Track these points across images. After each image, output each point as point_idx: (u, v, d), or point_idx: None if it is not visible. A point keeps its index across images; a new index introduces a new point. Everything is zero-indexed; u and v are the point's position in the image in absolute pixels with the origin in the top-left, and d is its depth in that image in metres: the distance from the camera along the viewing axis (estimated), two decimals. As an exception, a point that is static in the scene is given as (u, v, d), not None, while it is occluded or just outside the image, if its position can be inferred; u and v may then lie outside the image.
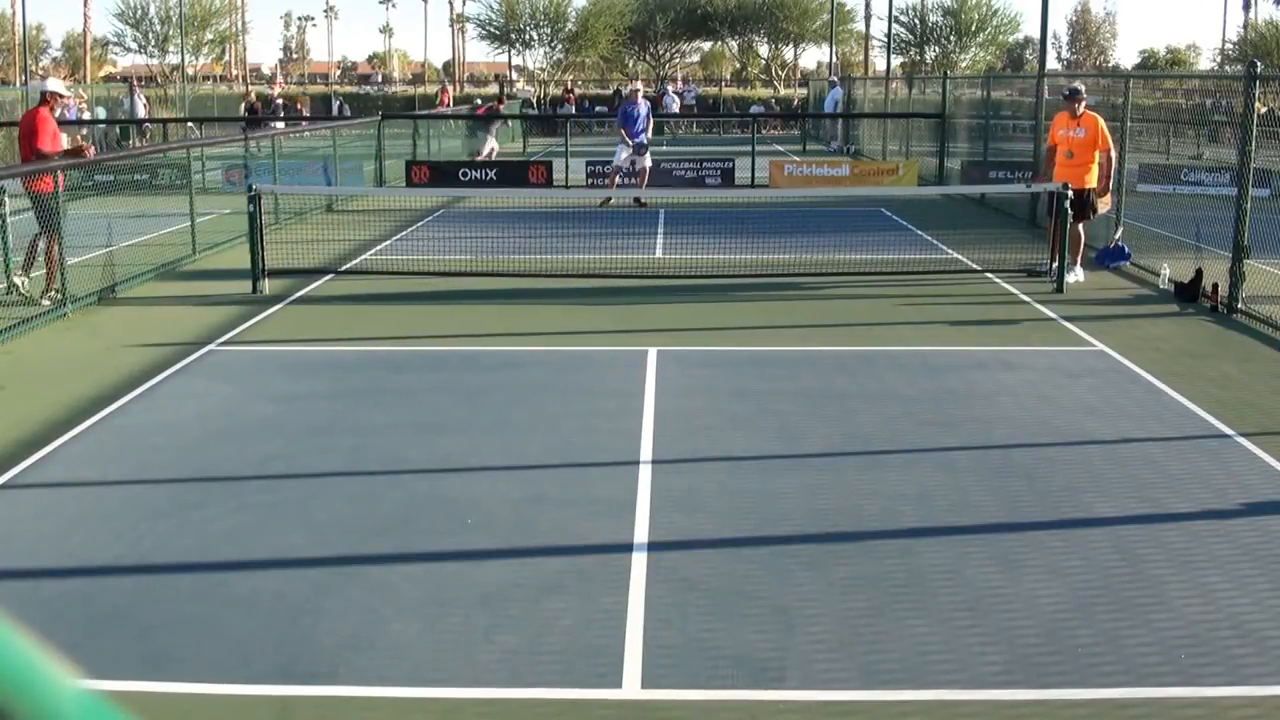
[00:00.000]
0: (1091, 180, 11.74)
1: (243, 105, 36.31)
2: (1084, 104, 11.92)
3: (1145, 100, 24.06)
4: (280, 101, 36.64)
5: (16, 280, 10.58)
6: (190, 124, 29.48)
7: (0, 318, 9.45)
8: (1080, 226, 11.78)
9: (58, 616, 4.53)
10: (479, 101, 41.93)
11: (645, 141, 19.13)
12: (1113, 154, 11.85)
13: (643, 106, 19.34)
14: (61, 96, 11.49)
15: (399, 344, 9.19)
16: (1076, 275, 11.71)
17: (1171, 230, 13.41)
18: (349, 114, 38.69)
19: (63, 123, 24.39)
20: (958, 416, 7.18)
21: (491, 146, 25.96)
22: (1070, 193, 11.32)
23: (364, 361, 8.62)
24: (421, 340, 9.29)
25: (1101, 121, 11.84)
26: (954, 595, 4.68)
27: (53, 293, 10.38)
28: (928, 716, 3.84)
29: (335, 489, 5.94)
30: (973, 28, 63.30)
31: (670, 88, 49.99)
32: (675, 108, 39.53)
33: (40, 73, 71.89)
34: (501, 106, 31.49)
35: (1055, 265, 11.45)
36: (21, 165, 10.75)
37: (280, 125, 27.24)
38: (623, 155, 19.22)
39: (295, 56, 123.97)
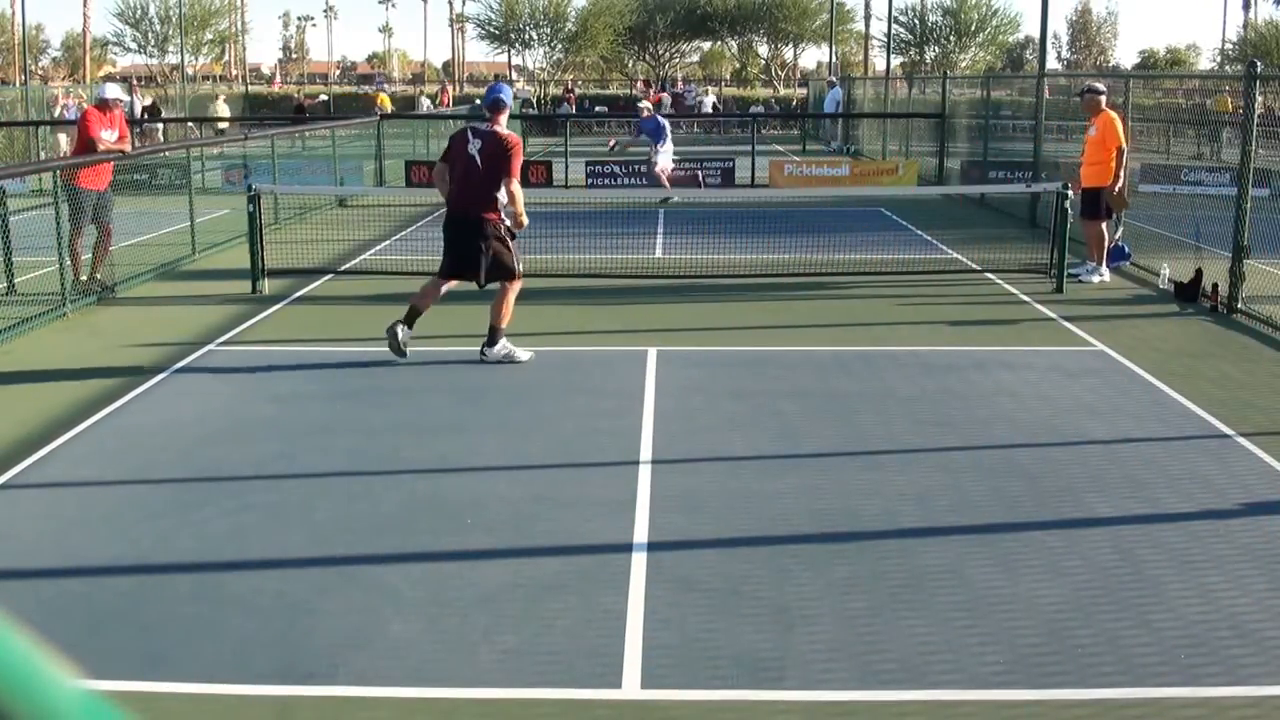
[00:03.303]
0: (1105, 179, 11.72)
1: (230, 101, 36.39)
2: (1101, 100, 11.89)
3: (1145, 100, 24.04)
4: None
5: (84, 277, 11.05)
6: (223, 125, 29.41)
7: (0, 317, 9.46)
8: (1104, 226, 11.83)
9: (58, 616, 4.53)
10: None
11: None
12: (1124, 149, 11.80)
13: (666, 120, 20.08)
14: (118, 100, 11.83)
15: (399, 344, 9.18)
16: (1102, 275, 11.75)
17: (1171, 230, 13.42)
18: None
19: (62, 122, 24.57)
20: (958, 416, 7.18)
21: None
22: (1069, 193, 11.33)
23: (364, 361, 8.62)
24: (422, 340, 9.29)
25: (1117, 120, 11.81)
26: (953, 595, 4.68)
27: (98, 275, 11.10)
28: (927, 716, 3.84)
29: (335, 489, 5.94)
30: (972, 28, 63.41)
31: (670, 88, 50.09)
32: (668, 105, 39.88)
33: (40, 72, 71.89)
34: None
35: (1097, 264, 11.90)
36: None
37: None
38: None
39: (295, 56, 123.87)
